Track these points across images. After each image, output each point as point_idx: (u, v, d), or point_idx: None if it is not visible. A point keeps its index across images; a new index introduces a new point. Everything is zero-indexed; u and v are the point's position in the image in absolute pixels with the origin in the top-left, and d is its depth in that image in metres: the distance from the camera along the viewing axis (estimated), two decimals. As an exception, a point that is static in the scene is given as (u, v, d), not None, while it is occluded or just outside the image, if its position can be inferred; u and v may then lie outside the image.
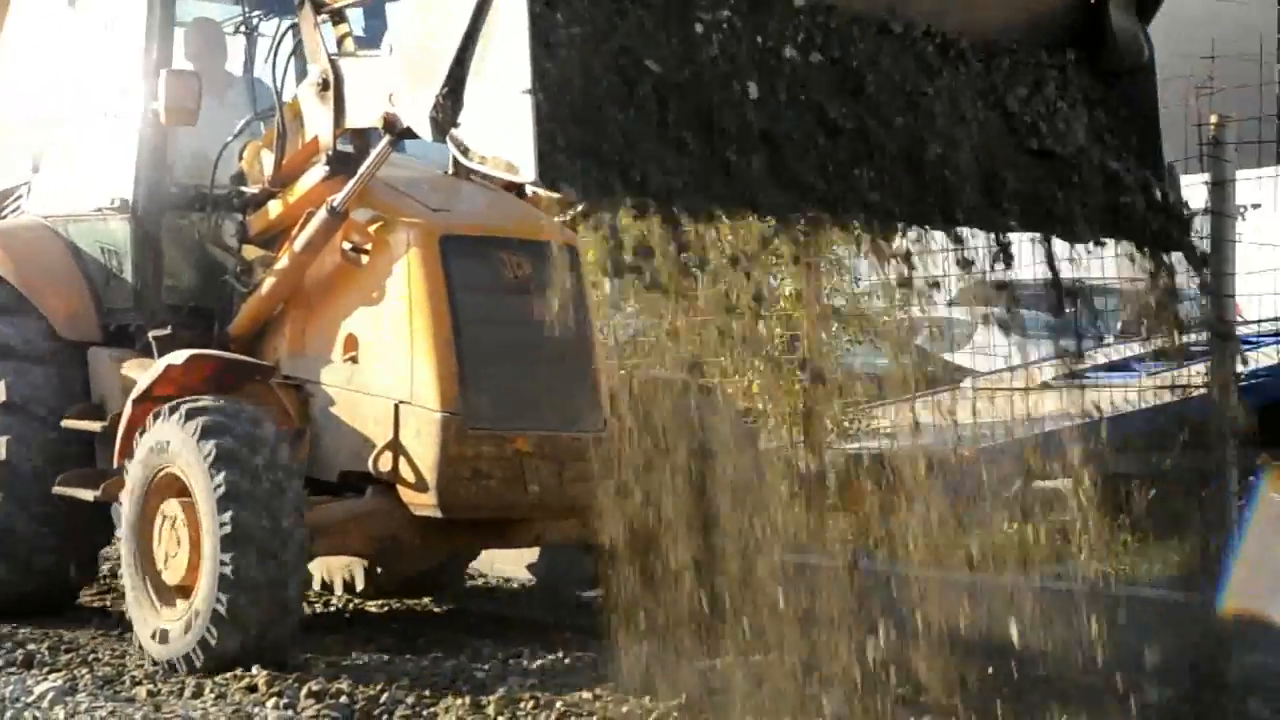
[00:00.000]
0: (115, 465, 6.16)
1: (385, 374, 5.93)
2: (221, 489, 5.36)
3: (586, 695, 5.47)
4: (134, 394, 6.09)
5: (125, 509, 5.96)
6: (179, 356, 5.92)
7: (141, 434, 5.89)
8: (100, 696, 5.72)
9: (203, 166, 6.78)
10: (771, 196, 4.39)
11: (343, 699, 5.38)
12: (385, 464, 5.79)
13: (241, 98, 7.21)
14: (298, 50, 6.41)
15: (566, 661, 6.12)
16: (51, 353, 6.79)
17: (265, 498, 5.44)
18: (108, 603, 7.55)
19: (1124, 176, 5.23)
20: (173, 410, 5.67)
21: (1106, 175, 5.17)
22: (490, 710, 5.24)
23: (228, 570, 5.35)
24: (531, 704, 5.30)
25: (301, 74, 6.43)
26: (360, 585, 7.40)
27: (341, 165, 5.86)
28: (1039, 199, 4.97)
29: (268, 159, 6.34)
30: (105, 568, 7.61)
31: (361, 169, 5.79)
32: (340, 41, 6.01)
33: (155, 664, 5.87)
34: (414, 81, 4.67)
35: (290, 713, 5.18)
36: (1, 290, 6.89)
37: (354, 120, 5.76)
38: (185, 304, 6.82)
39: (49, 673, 6.14)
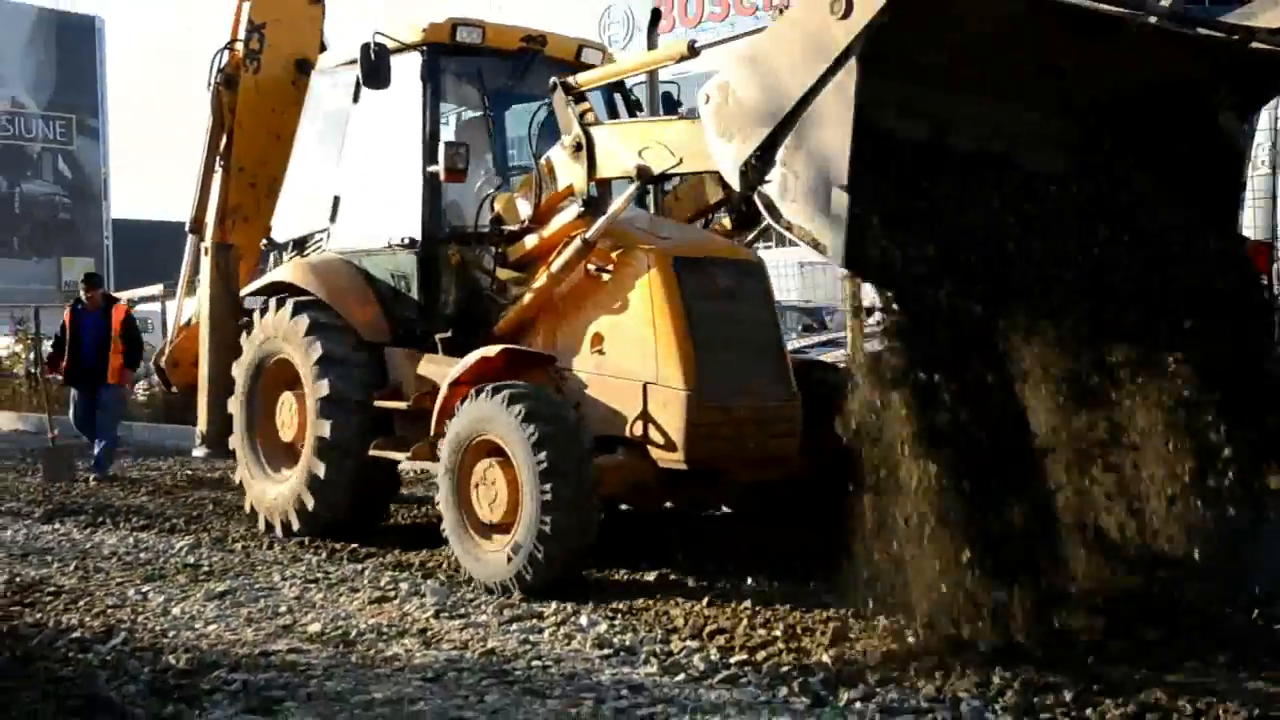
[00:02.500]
0: (433, 433, 7.40)
1: (631, 362, 7.05)
2: (543, 465, 6.57)
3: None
4: (449, 378, 7.33)
5: (443, 465, 7.20)
6: (491, 350, 7.20)
7: (458, 409, 7.09)
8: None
9: (467, 212, 8.29)
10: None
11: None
12: (638, 429, 6.94)
13: (487, 163, 8.68)
14: (544, 124, 8.01)
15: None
16: (357, 356, 8.16)
17: (572, 461, 6.63)
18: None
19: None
20: (495, 391, 6.87)
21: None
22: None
23: (546, 527, 6.60)
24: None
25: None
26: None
27: (591, 207, 7.13)
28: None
29: (523, 205, 7.65)
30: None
31: (611, 208, 7.07)
32: (582, 115, 7.19)
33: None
34: (732, 134, 5.46)
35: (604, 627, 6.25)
36: (320, 312, 8.24)
37: (604, 172, 7.10)
38: (455, 314, 8.14)
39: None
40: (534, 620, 6.32)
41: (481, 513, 6.98)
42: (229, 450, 9.14)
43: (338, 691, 5.07)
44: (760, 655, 5.49)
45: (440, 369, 7.71)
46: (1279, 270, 7.00)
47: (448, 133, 8.20)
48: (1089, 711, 4.74)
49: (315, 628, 6.25)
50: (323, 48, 9.90)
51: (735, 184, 5.42)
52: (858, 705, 4.79)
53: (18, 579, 7.72)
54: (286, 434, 8.61)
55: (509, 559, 6.70)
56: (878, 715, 4.70)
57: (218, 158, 9.89)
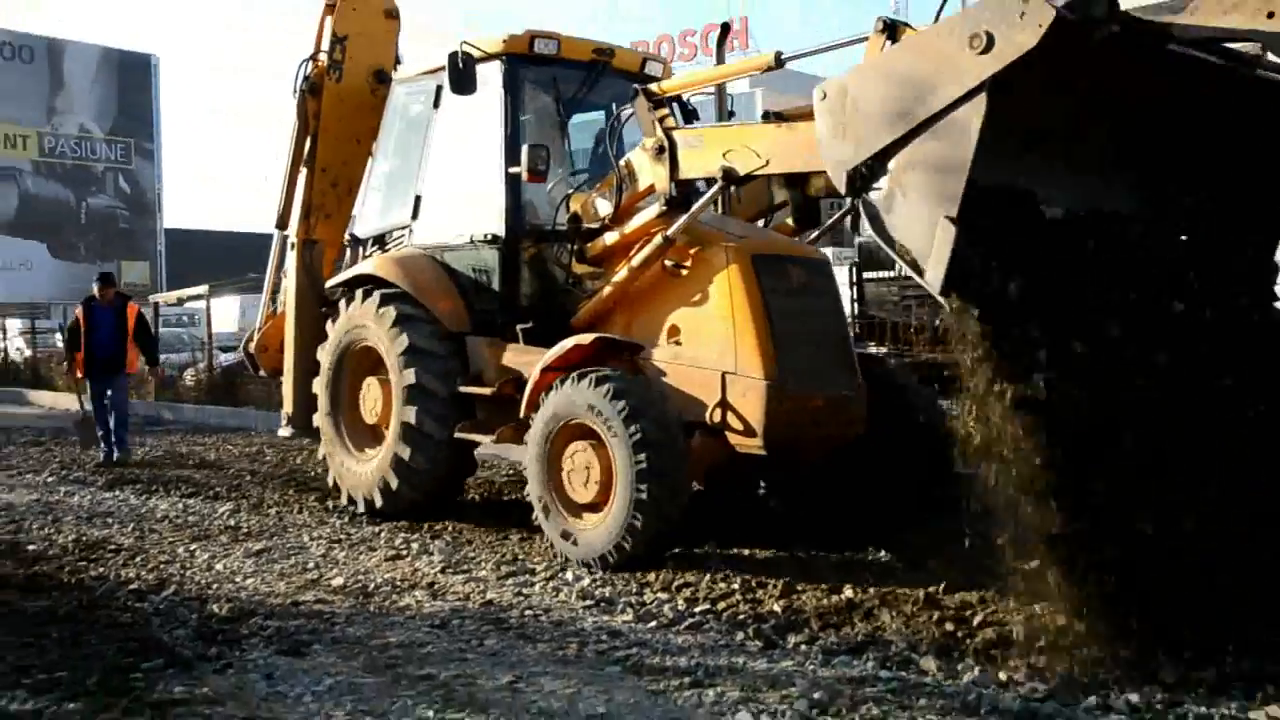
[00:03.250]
0: (523, 415, 7.04)
1: (709, 352, 6.67)
2: (637, 436, 6.19)
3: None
4: (542, 364, 6.93)
5: (532, 447, 6.82)
6: (586, 338, 6.85)
7: (548, 393, 6.78)
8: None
9: (543, 211, 7.95)
10: None
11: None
12: (716, 416, 6.55)
13: (562, 166, 8.31)
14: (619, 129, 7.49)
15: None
16: (441, 346, 7.80)
17: (664, 441, 6.27)
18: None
19: None
20: (581, 377, 6.55)
21: None
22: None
23: (642, 494, 6.18)
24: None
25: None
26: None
27: (673, 205, 6.80)
28: None
29: (603, 204, 7.34)
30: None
31: (694, 207, 6.73)
32: (662, 120, 6.89)
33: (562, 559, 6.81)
34: (845, 135, 5.03)
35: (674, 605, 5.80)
36: (405, 304, 7.91)
37: (687, 173, 6.77)
38: (535, 306, 7.78)
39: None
40: (526, 575, 6.51)
41: (573, 493, 6.66)
42: (313, 430, 8.90)
43: (358, 636, 5.20)
44: (721, 605, 5.68)
45: (522, 357, 7.47)
46: None
47: (526, 136, 7.86)
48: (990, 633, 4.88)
49: (338, 581, 6.41)
50: (397, 61, 9.81)
51: (840, 183, 5.06)
52: (803, 647, 4.86)
53: (84, 538, 8.00)
54: (370, 417, 8.31)
55: (605, 536, 6.38)
56: (820, 655, 4.83)
57: (302, 159, 9.73)
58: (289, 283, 9.70)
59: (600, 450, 6.42)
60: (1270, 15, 4.20)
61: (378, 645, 5.07)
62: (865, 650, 4.82)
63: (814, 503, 7.42)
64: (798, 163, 6.21)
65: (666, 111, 6.97)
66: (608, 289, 7.21)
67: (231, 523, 8.47)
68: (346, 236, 9.60)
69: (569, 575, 6.37)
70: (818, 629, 5.13)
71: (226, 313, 25.38)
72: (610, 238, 7.27)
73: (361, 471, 8.19)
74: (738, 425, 6.47)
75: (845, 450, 6.86)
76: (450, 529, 7.83)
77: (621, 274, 7.08)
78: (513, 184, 7.62)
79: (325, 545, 7.49)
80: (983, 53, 4.37)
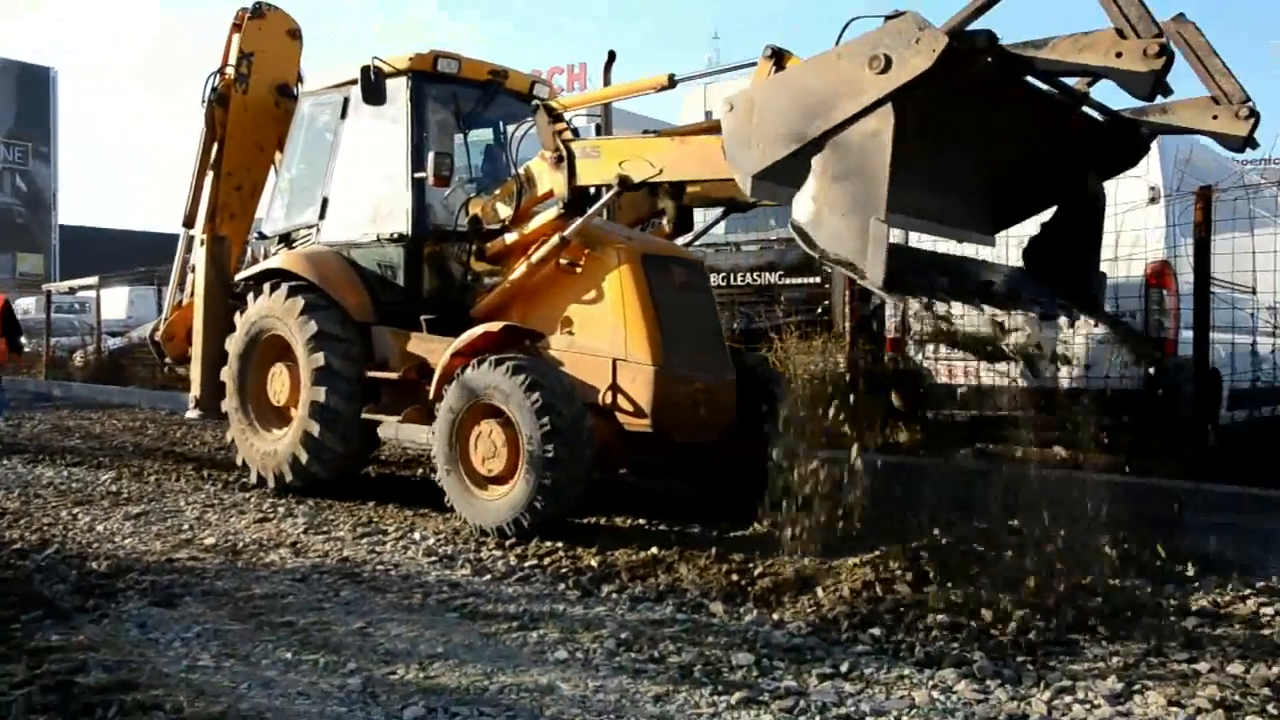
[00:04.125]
0: (432, 397, 6.71)
1: (600, 341, 6.55)
2: (542, 412, 5.94)
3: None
4: (451, 349, 6.65)
5: (440, 426, 6.52)
6: (494, 326, 6.59)
7: (458, 376, 6.47)
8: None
9: (443, 213, 7.59)
10: None
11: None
12: (608, 399, 6.43)
13: (461, 172, 7.96)
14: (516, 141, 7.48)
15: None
16: (347, 332, 7.47)
17: (567, 416, 6.04)
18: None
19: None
20: (487, 361, 6.28)
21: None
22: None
23: (550, 454, 5.94)
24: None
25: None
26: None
27: (570, 209, 6.62)
28: None
29: (503, 207, 7.07)
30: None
31: (590, 210, 6.56)
32: (560, 133, 6.69)
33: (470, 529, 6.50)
34: (752, 145, 4.84)
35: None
36: (312, 295, 7.54)
37: (585, 180, 6.56)
38: (436, 298, 7.51)
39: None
40: (380, 536, 6.51)
41: (480, 467, 6.39)
42: (220, 412, 8.44)
43: (226, 589, 5.13)
44: (546, 561, 5.80)
45: (426, 345, 7.17)
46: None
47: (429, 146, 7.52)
48: (767, 581, 5.02)
49: (210, 541, 6.29)
50: (299, 77, 9.46)
51: (746, 188, 4.89)
52: (614, 595, 4.95)
53: (-29, 505, 7.53)
54: (279, 399, 7.88)
55: (510, 506, 6.12)
56: (628, 601, 4.99)
57: (209, 163, 9.33)
58: (197, 276, 9.29)
59: (507, 428, 6.24)
60: (1119, 55, 4.39)
61: (244, 597, 5.00)
62: (666, 597, 4.97)
63: (687, 480, 7.38)
64: (689, 172, 6.17)
65: (564, 125, 6.85)
66: (507, 284, 7.02)
67: (113, 489, 8.21)
68: (253, 235, 9.40)
69: (416, 535, 6.41)
70: (627, 580, 5.22)
71: (117, 302, 24.23)
72: (509, 238, 7.09)
73: (270, 450, 7.81)
74: (628, 407, 6.39)
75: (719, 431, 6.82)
76: (314, 494, 7.63)
77: (520, 270, 6.91)
78: (417, 188, 7.40)
79: (200, 509, 7.32)
80: (881, 72, 4.35)
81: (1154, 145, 7.65)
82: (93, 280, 22.82)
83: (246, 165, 9.28)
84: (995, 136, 5.29)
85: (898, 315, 8.79)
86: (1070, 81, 5.21)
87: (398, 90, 7.49)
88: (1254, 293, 8.86)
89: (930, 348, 8.64)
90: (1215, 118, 5.03)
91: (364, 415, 7.33)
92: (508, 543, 6.08)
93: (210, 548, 6.05)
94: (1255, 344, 9.04)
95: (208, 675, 3.86)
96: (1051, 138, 5.57)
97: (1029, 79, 4.84)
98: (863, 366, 8.87)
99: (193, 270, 9.50)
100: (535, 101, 7.16)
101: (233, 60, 9.18)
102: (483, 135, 8.55)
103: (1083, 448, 8.10)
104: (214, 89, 9.17)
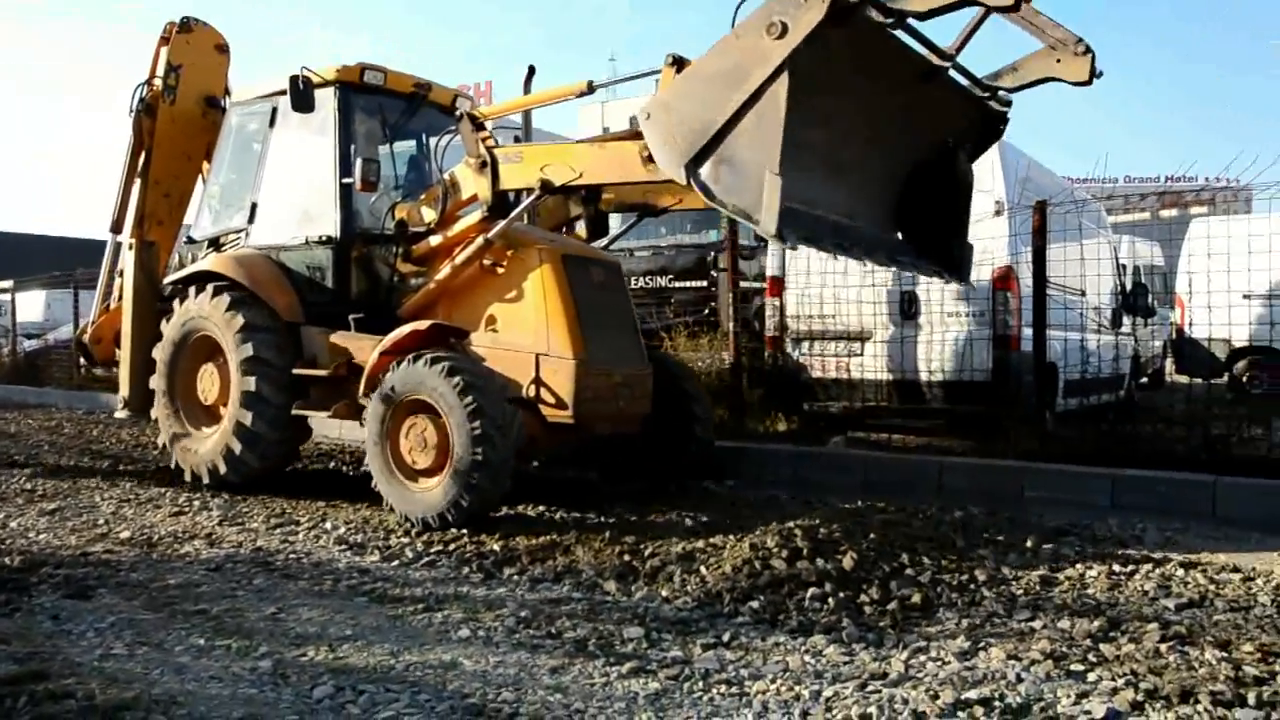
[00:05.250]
0: (362, 394, 6.45)
1: (524, 338, 6.42)
2: (471, 406, 5.74)
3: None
4: (381, 347, 6.38)
5: (371, 421, 6.24)
6: (422, 324, 6.30)
7: (387, 373, 6.21)
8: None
9: (369, 218, 7.35)
10: None
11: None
12: (532, 391, 6.31)
13: (387, 178, 7.73)
14: (440, 150, 7.10)
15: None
16: (275, 325, 7.20)
17: (495, 410, 5.84)
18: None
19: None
20: (418, 358, 6.02)
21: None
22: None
23: (479, 457, 5.73)
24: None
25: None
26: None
27: (493, 212, 6.50)
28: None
29: (428, 211, 6.86)
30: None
31: (513, 213, 6.47)
32: (484, 140, 6.57)
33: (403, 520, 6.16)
34: (676, 139, 4.87)
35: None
36: (241, 294, 7.26)
37: (507, 185, 6.44)
38: (363, 298, 7.26)
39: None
40: (292, 526, 6.27)
41: (411, 460, 6.10)
42: (148, 411, 8.03)
43: (140, 580, 4.92)
44: (451, 546, 5.62)
45: (354, 343, 6.90)
46: None
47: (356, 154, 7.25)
48: (656, 560, 4.95)
49: (126, 534, 6.02)
50: (226, 90, 9.08)
51: (680, 179, 4.89)
52: (515, 577, 4.87)
53: (-117, 503, 7.02)
54: (208, 398, 7.53)
55: (443, 496, 5.86)
56: (528, 582, 4.89)
57: (137, 171, 8.90)
58: (126, 280, 8.85)
59: (436, 422, 5.97)
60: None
61: (158, 587, 4.77)
62: (563, 578, 4.90)
63: (595, 469, 7.27)
64: (607, 175, 6.08)
65: (488, 133, 6.69)
66: (432, 284, 6.82)
67: (29, 486, 7.75)
68: (181, 240, 9.03)
69: (328, 525, 6.18)
70: (527, 562, 5.14)
71: (33, 305, 23.09)
72: (435, 240, 6.88)
73: (201, 447, 7.46)
74: (550, 399, 6.26)
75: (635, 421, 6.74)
76: (228, 488, 7.32)
77: (445, 270, 6.72)
78: (345, 193, 7.15)
79: (115, 504, 6.96)
80: (779, 38, 4.42)
81: (998, 164, 7.98)
82: (7, 284, 21.74)
83: (174, 174, 8.90)
84: (879, 118, 5.33)
85: (776, 315, 8.96)
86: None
87: (325, 99, 7.28)
88: (1083, 294, 9.28)
89: (805, 345, 8.83)
90: (1059, 61, 5.21)
91: (294, 411, 7.05)
92: (415, 530, 5.90)
93: (126, 541, 5.76)
94: (1084, 340, 9.47)
95: (120, 663, 3.65)
96: (927, 115, 5.62)
97: (904, 40, 4.91)
98: (745, 363, 9.01)
99: (120, 275, 9.09)
100: (459, 110, 6.98)
101: (160, 72, 8.81)
102: (406, 145, 8.34)
103: (938, 433, 8.39)
104: (142, 100, 8.76)
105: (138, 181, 8.88)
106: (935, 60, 5.31)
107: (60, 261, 23.22)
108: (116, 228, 9.16)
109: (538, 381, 6.29)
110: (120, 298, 8.99)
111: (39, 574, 4.97)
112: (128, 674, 3.55)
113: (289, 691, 3.38)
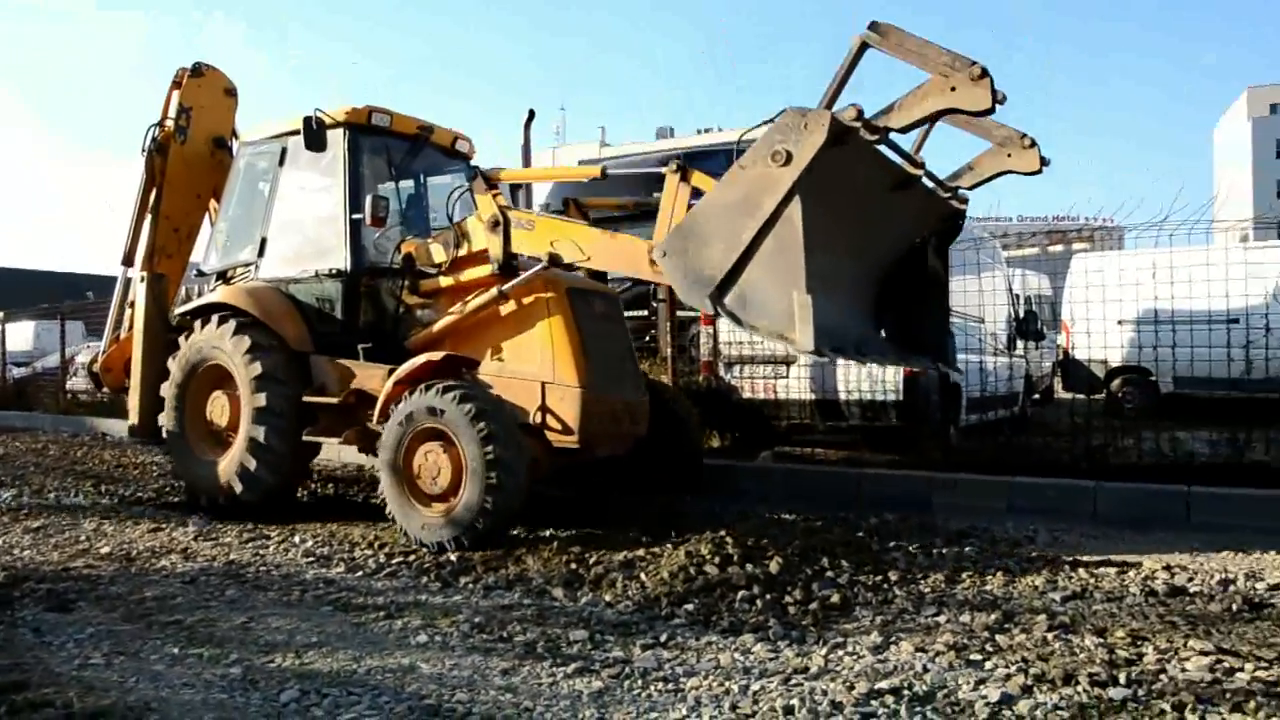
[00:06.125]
0: (376, 421, 6.16)
1: (530, 366, 6.16)
2: (484, 432, 5.48)
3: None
4: (394, 378, 6.10)
5: (385, 448, 5.89)
6: (436, 355, 6.06)
7: (400, 402, 5.90)
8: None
9: (373, 253, 7.06)
10: None
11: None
12: (538, 418, 6.03)
13: (398, 217, 7.41)
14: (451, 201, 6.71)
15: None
16: (285, 351, 6.87)
17: (507, 435, 5.58)
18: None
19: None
20: (430, 388, 5.75)
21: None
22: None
23: (492, 481, 5.46)
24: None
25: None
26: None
27: (503, 270, 6.23)
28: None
29: (438, 252, 6.58)
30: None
31: (525, 275, 6.12)
32: (495, 199, 6.33)
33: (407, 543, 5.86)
34: (700, 273, 4.68)
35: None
36: (253, 326, 6.92)
37: (517, 249, 6.19)
38: (371, 329, 6.93)
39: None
40: (263, 540, 6.18)
41: (425, 486, 5.76)
42: (156, 436, 7.71)
43: (119, 593, 4.81)
44: (411, 558, 5.55)
45: (363, 372, 6.58)
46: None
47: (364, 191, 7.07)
48: (600, 568, 4.95)
49: (106, 550, 5.91)
50: (234, 132, 8.89)
51: (708, 309, 4.75)
52: (470, 585, 4.85)
53: (-126, 522, 6.89)
54: (219, 423, 7.17)
55: (451, 521, 5.56)
56: (482, 590, 4.85)
57: (148, 208, 8.66)
58: (137, 311, 8.47)
59: (449, 448, 5.65)
60: (953, 89, 4.34)
61: (136, 600, 4.67)
62: (515, 585, 4.85)
63: (602, 488, 7.00)
64: (613, 266, 5.98)
65: (499, 191, 6.46)
66: (442, 323, 6.49)
67: (14, 505, 7.54)
68: (191, 272, 8.77)
69: (297, 539, 6.06)
70: (482, 571, 5.08)
71: (22, 334, 22.40)
72: (445, 281, 6.59)
73: (207, 474, 7.07)
74: (556, 425, 6.00)
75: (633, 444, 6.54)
76: (204, 506, 7.09)
77: (456, 312, 6.43)
78: (354, 228, 6.89)
79: (97, 521, 6.78)
80: (785, 164, 4.33)
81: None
82: (-1, 315, 21.14)
83: (184, 210, 8.66)
84: (864, 227, 5.20)
85: (711, 342, 9.01)
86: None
87: (335, 140, 7.07)
88: (982, 322, 9.48)
89: (736, 369, 8.89)
90: (1010, 156, 5.26)
91: (305, 438, 6.69)
92: (377, 543, 5.81)
93: (105, 556, 5.63)
94: (983, 362, 9.68)
95: (98, 672, 3.56)
96: (902, 219, 5.53)
97: (888, 154, 4.85)
98: (682, 386, 9.04)
99: (131, 306, 8.77)
100: (474, 167, 6.74)
101: (172, 114, 8.61)
102: (408, 184, 8.08)
103: (856, 447, 8.48)
104: (154, 139, 8.55)
105: (149, 216, 8.64)
106: (909, 169, 5.27)
107: (47, 295, 22.61)
108: (128, 260, 8.85)
109: (544, 408, 6.04)
110: (130, 328, 8.71)
111: (22, 588, 4.83)
112: (105, 682, 3.46)
113: (257, 696, 3.31)
